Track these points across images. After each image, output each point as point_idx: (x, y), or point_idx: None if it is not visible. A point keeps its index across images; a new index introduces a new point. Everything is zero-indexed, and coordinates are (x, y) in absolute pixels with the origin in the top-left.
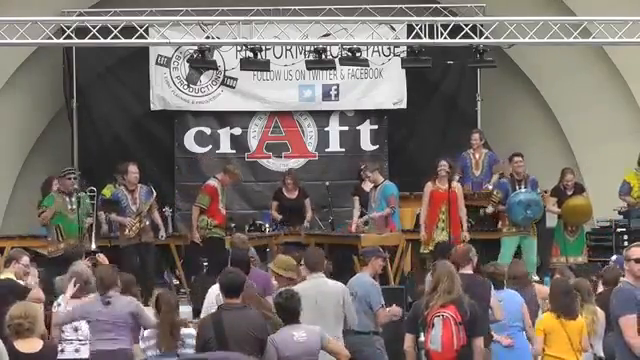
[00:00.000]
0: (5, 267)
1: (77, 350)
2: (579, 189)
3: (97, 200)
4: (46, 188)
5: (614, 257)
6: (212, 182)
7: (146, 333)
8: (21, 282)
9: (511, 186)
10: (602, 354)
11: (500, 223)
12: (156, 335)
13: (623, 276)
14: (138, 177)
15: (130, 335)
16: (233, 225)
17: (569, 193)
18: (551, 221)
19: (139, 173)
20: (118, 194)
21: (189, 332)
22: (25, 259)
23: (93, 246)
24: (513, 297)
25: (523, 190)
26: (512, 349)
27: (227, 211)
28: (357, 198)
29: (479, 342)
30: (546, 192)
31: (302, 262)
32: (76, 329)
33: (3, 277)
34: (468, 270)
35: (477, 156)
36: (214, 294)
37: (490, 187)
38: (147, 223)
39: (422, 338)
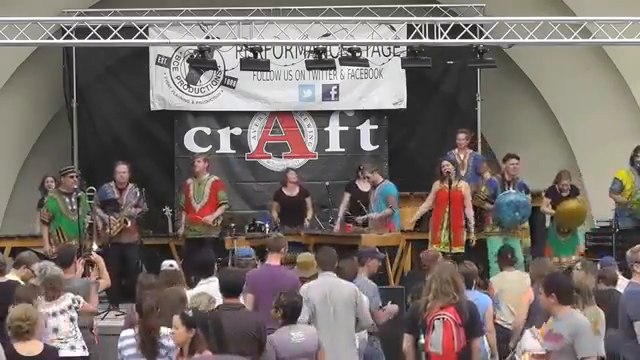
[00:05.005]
0: (14, 268)
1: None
2: (574, 191)
3: (95, 200)
4: (43, 186)
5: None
6: (187, 179)
7: (123, 333)
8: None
9: (500, 186)
10: (603, 354)
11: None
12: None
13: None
14: (125, 177)
15: None
16: (233, 225)
17: (564, 195)
18: (546, 221)
19: (128, 173)
20: (106, 190)
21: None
22: (36, 266)
23: (95, 246)
24: (481, 299)
25: (513, 191)
26: None
27: (227, 211)
28: (349, 194)
29: (477, 343)
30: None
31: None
32: (56, 330)
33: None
34: None
35: (462, 156)
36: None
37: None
38: (129, 225)
39: (422, 340)
